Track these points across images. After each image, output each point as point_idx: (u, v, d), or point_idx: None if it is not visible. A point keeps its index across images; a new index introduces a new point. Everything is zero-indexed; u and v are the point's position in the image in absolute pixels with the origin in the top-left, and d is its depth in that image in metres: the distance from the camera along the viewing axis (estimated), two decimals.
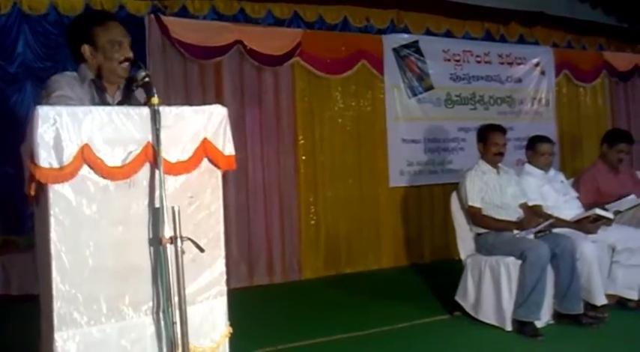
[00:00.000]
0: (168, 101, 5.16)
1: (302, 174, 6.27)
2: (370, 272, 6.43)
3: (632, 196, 4.82)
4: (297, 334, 4.22)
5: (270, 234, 6.10)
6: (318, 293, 5.69)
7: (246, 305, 4.83)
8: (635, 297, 4.48)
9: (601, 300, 4.18)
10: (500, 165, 4.64)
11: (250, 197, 6.01)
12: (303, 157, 6.29)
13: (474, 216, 4.47)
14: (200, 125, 2.21)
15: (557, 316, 4.21)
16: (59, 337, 1.90)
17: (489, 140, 4.57)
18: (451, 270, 4.80)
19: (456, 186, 4.74)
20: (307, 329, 4.40)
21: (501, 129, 4.64)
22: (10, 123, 5.36)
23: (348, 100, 6.57)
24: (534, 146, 4.80)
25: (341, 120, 6.53)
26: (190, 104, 4.43)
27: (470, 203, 4.46)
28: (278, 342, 4.03)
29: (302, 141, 6.28)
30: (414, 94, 6.88)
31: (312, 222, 6.33)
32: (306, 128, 6.31)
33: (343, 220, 6.47)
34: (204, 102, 5.41)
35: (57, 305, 1.90)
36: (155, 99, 2.08)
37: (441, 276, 5.56)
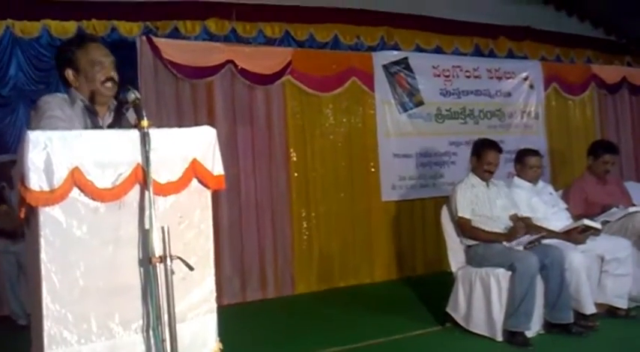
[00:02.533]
0: (160, 121, 5.28)
1: (294, 190, 6.32)
2: (363, 286, 6.46)
3: (614, 210, 4.88)
4: (291, 348, 4.27)
5: (262, 250, 6.13)
6: (311, 307, 5.72)
7: (239, 321, 4.90)
8: (624, 306, 4.52)
9: (590, 309, 4.22)
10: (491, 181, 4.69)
11: (243, 213, 6.04)
12: (295, 174, 6.34)
13: (464, 227, 4.52)
14: (189, 146, 2.24)
15: (548, 326, 4.25)
16: None
17: (483, 157, 4.61)
18: (443, 282, 4.84)
19: (447, 200, 4.79)
20: (301, 343, 4.43)
21: (497, 148, 4.65)
22: (3, 145, 5.43)
23: (339, 117, 6.64)
24: (522, 159, 4.86)
25: (332, 137, 6.59)
26: (182, 124, 4.53)
27: (460, 214, 4.51)
28: None
29: (294, 158, 6.34)
30: (405, 110, 6.96)
31: (305, 237, 6.37)
32: (297, 145, 6.36)
33: (336, 235, 6.52)
34: (196, 121, 5.50)
35: (47, 324, 1.92)
36: (145, 122, 2.11)
37: (432, 289, 5.59)
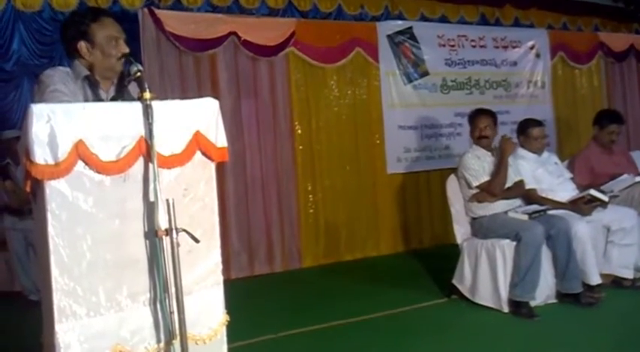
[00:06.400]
0: (164, 94, 5.25)
1: (299, 164, 6.31)
2: (369, 259, 6.49)
3: (625, 176, 4.86)
4: (298, 321, 4.28)
5: (269, 224, 6.15)
6: (318, 280, 5.75)
7: (247, 294, 4.94)
8: (630, 276, 4.52)
9: (596, 280, 4.22)
10: (494, 147, 4.65)
11: (249, 187, 6.05)
12: (300, 147, 6.32)
13: (488, 191, 4.42)
14: (192, 118, 2.23)
15: (560, 295, 4.27)
16: (60, 329, 1.94)
17: (475, 125, 4.61)
18: (449, 255, 4.84)
19: (453, 171, 4.75)
20: (308, 316, 4.45)
21: (485, 112, 4.64)
22: (8, 121, 5.42)
23: (343, 88, 6.59)
24: (526, 131, 4.79)
25: (337, 109, 6.55)
26: (186, 96, 4.53)
27: (482, 180, 4.44)
28: (279, 330, 4.08)
29: (299, 131, 6.31)
30: (410, 81, 6.90)
31: (311, 210, 6.38)
32: (302, 117, 6.33)
33: (342, 208, 6.52)
34: (199, 94, 5.46)
35: (56, 298, 1.94)
36: (147, 94, 2.09)
37: (438, 261, 5.60)
